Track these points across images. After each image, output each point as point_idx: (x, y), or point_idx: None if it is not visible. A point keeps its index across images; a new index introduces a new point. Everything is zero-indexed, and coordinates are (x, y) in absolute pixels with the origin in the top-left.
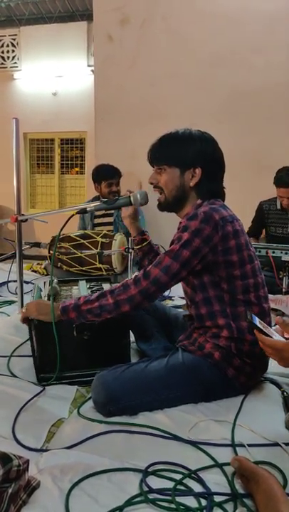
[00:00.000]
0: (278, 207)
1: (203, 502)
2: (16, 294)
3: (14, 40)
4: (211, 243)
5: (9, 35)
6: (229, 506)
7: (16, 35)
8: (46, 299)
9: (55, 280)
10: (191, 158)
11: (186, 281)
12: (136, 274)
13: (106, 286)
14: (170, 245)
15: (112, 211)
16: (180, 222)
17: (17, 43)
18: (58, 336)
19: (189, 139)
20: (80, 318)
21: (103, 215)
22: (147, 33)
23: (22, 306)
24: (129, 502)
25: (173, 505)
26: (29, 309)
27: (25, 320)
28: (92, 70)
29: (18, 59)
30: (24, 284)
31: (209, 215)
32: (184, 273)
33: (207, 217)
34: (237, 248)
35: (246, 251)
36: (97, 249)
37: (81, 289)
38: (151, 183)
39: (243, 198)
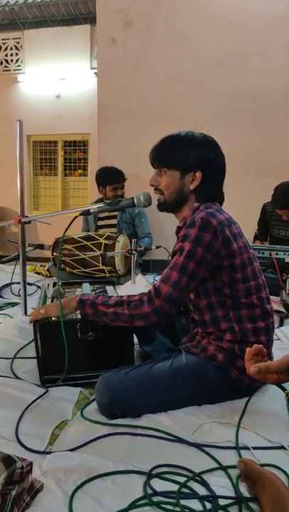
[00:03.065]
0: None
1: (208, 505)
2: (19, 295)
3: (18, 43)
4: (213, 249)
5: (13, 39)
6: (234, 509)
7: (19, 38)
8: (50, 301)
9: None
10: (192, 161)
11: None
12: (139, 275)
13: (109, 289)
14: (172, 256)
15: (116, 213)
16: (178, 227)
17: (21, 46)
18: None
19: (191, 142)
20: (95, 316)
21: (106, 218)
22: (150, 35)
23: (25, 307)
24: (133, 505)
25: (177, 508)
26: (48, 309)
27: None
28: (96, 73)
29: (21, 62)
30: (27, 286)
31: (207, 221)
32: (193, 284)
33: (205, 224)
34: (238, 251)
35: (246, 253)
36: (100, 250)
37: (85, 292)
38: (152, 185)
39: (246, 200)
